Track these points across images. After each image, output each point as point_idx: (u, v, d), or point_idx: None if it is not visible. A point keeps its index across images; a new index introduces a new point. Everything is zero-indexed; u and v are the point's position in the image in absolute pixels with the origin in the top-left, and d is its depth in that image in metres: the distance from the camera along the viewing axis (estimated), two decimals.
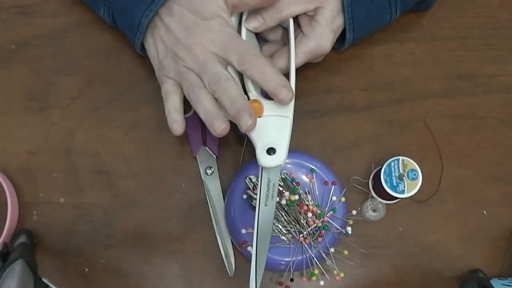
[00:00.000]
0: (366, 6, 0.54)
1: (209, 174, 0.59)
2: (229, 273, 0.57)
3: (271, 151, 0.47)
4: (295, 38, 0.54)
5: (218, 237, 0.58)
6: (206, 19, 0.48)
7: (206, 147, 0.60)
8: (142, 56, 0.57)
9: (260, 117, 0.48)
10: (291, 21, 0.54)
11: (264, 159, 0.48)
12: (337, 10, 0.53)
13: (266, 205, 0.48)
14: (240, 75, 0.50)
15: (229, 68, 0.49)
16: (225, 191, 0.58)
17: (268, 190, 0.48)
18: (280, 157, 0.48)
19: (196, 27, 0.48)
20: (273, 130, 0.48)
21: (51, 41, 0.63)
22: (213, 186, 0.59)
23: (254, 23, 0.53)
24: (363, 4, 0.54)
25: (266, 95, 0.49)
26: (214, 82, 0.47)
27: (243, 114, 0.46)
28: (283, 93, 0.47)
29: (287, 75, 0.51)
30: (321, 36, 0.54)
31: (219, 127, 0.46)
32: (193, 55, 0.48)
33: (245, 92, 0.49)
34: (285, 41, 0.57)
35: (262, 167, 0.49)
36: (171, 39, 0.50)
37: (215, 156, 0.60)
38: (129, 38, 0.54)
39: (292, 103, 0.49)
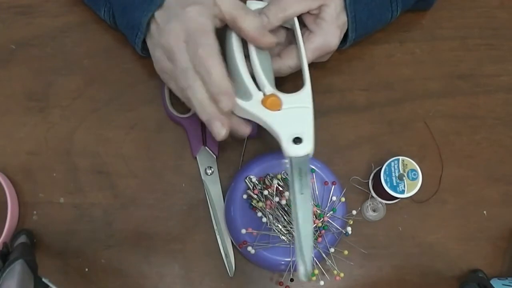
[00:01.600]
0: (368, 4, 0.54)
1: (209, 174, 0.59)
2: (229, 273, 0.57)
3: (297, 140, 0.47)
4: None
5: (218, 237, 0.58)
6: (185, 7, 0.47)
7: (206, 147, 0.59)
8: (142, 56, 0.57)
9: (279, 110, 0.48)
10: (296, 19, 0.54)
11: (292, 149, 0.46)
12: (341, 7, 0.53)
13: (302, 193, 0.46)
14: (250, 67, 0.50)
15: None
16: (225, 191, 0.58)
17: (301, 180, 0.46)
18: (308, 145, 0.47)
19: (175, 15, 0.47)
20: (295, 120, 0.48)
21: (51, 41, 0.63)
22: (213, 186, 0.59)
23: None
24: (365, 2, 0.54)
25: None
26: (182, 78, 0.46)
27: (214, 123, 0.44)
28: (222, 102, 0.44)
29: (290, 74, 0.51)
30: (328, 33, 0.53)
31: (219, 134, 0.45)
32: (168, 44, 0.47)
33: (258, 87, 0.49)
34: (290, 41, 0.56)
35: (291, 159, 0.47)
36: (156, 29, 0.50)
37: (215, 156, 0.60)
38: (130, 39, 0.54)
39: (309, 92, 0.49)
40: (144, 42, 0.54)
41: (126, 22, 0.54)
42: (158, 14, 0.50)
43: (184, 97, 0.49)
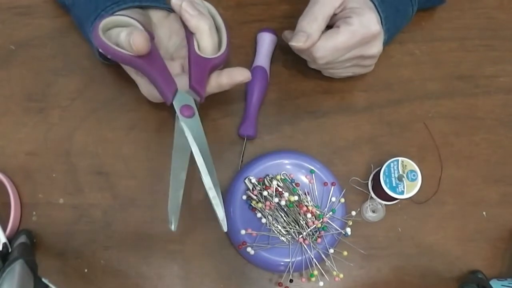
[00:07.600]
0: (392, 1, 0.55)
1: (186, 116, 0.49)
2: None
3: None
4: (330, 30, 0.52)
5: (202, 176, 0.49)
6: None
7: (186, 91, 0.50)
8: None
9: None
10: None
11: None
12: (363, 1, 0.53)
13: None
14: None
15: None
16: (224, 193, 0.58)
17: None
18: None
19: None
20: None
21: (51, 42, 0.63)
22: (193, 130, 0.49)
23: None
24: (389, 1, 0.55)
25: None
26: None
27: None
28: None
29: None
30: (362, 13, 0.50)
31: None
32: None
33: None
34: None
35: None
36: None
37: (198, 99, 0.50)
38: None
39: None
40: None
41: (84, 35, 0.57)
42: None
43: None
